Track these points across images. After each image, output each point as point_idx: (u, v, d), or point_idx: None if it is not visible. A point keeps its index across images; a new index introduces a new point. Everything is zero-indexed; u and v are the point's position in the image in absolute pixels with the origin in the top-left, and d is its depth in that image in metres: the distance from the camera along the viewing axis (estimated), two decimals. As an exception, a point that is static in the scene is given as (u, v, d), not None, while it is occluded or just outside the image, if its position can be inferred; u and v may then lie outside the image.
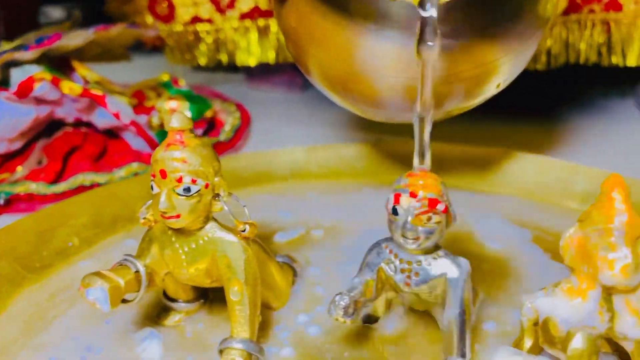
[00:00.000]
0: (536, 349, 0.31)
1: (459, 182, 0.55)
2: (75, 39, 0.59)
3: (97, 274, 0.30)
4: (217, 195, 0.31)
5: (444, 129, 0.76)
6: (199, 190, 0.30)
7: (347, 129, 0.75)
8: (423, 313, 0.36)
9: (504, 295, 0.38)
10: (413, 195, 0.29)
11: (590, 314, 0.28)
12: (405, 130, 0.64)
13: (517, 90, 0.87)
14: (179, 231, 0.32)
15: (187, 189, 0.29)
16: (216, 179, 0.30)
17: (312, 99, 0.93)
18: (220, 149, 0.67)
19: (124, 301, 0.32)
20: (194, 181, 0.29)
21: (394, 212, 0.29)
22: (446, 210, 0.29)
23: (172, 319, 0.36)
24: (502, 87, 0.43)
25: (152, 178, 0.30)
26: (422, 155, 0.37)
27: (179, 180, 0.29)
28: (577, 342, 0.26)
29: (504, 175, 0.55)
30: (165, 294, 0.36)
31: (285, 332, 0.35)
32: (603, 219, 0.27)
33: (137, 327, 0.36)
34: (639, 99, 0.82)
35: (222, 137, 0.69)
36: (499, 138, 0.71)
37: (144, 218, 0.32)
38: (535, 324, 0.31)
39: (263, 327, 0.35)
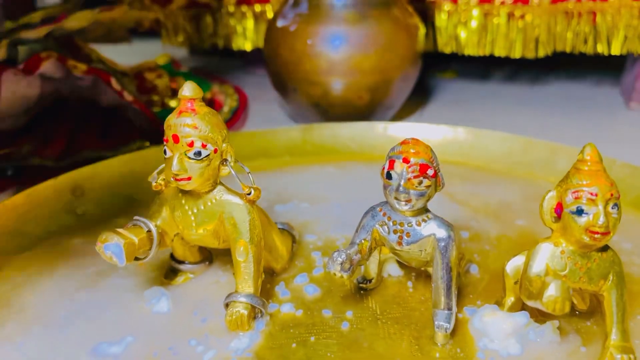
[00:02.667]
0: (517, 306, 0.34)
1: (454, 159, 0.58)
2: (81, 19, 0.60)
3: (113, 231, 0.32)
4: (225, 160, 0.33)
5: (433, 110, 0.79)
6: (208, 155, 0.32)
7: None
8: (415, 274, 0.39)
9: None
10: (406, 160, 0.31)
11: (565, 268, 0.30)
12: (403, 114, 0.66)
13: (509, 78, 0.90)
14: (188, 194, 0.34)
15: (198, 153, 0.31)
16: (224, 145, 0.33)
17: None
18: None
19: (136, 259, 0.34)
20: (204, 146, 0.32)
21: (388, 176, 0.32)
22: (435, 175, 0.32)
23: (179, 279, 0.39)
24: None
25: (164, 143, 0.32)
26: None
27: (190, 144, 0.31)
28: (552, 290, 0.29)
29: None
30: (172, 257, 0.39)
31: (285, 290, 0.37)
32: (578, 183, 0.29)
33: (146, 286, 0.38)
34: (624, 87, 0.85)
35: (222, 118, 0.71)
36: (488, 118, 0.74)
37: (156, 182, 0.34)
38: (516, 282, 0.33)
39: (264, 287, 0.38)
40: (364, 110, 0.67)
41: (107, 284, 0.38)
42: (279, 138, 0.61)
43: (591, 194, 0.29)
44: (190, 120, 0.31)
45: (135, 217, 0.35)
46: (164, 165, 0.34)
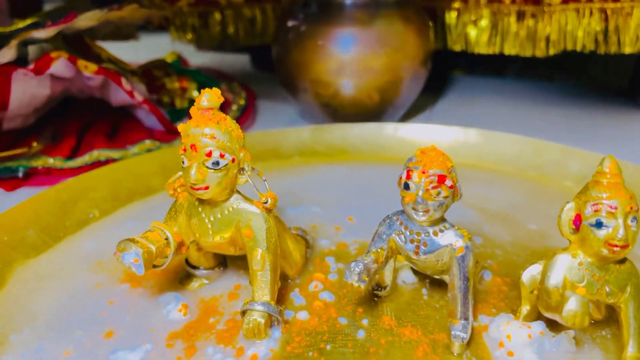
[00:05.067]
0: (533, 315, 0.34)
1: (465, 161, 0.58)
2: (91, 18, 0.60)
3: (131, 239, 0.32)
4: (242, 169, 0.33)
5: (444, 110, 0.79)
6: (226, 164, 0.32)
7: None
8: (429, 281, 0.39)
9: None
10: (424, 171, 0.31)
11: (583, 280, 0.30)
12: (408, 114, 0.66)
13: (520, 75, 0.90)
14: (205, 202, 0.34)
15: (216, 163, 0.31)
16: (241, 154, 0.33)
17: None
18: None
19: (154, 266, 0.34)
20: (222, 156, 0.32)
21: (406, 187, 0.32)
22: (453, 186, 0.32)
23: (193, 284, 0.39)
24: None
25: (182, 152, 0.32)
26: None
27: (209, 154, 0.31)
28: (572, 304, 0.29)
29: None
30: (187, 262, 0.39)
31: (300, 297, 0.38)
32: (597, 196, 0.29)
33: (161, 291, 0.38)
34: (635, 85, 0.84)
35: (230, 116, 0.71)
36: (499, 121, 0.74)
37: (173, 189, 0.34)
38: (532, 291, 0.33)
39: (279, 293, 0.38)
40: (373, 110, 0.67)
41: (121, 290, 0.39)
42: (289, 138, 0.61)
43: (611, 207, 0.29)
44: (208, 130, 0.31)
45: (153, 224, 0.35)
46: (181, 173, 0.34)
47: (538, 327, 0.33)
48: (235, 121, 0.33)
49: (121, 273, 0.40)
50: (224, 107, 0.73)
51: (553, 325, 0.34)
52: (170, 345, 0.34)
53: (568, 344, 0.33)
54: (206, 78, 0.76)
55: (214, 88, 0.32)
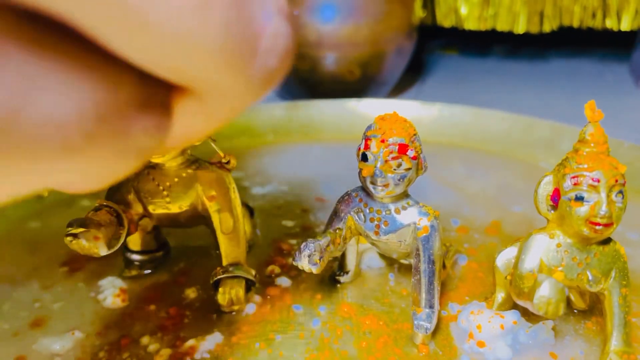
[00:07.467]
0: (508, 303, 0.30)
1: (450, 140, 0.54)
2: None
3: (85, 220, 0.28)
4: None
5: (431, 87, 0.75)
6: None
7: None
8: (397, 266, 0.35)
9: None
10: (383, 140, 0.27)
11: (562, 263, 0.27)
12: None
13: (510, 55, 0.85)
14: (156, 168, 0.31)
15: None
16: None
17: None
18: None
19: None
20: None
21: (364, 158, 0.28)
22: (416, 157, 0.28)
23: (133, 270, 0.35)
24: None
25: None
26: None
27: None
28: (544, 290, 0.25)
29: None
30: (125, 246, 0.35)
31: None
32: (578, 167, 0.25)
33: (100, 277, 0.35)
34: (633, 65, 0.80)
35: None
36: (491, 99, 0.70)
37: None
38: (507, 277, 0.30)
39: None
40: (355, 86, 0.63)
41: (59, 273, 0.35)
42: (262, 115, 0.57)
43: (593, 179, 0.25)
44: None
45: (99, 202, 0.31)
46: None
47: (512, 316, 0.29)
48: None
49: (62, 255, 0.37)
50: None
51: (530, 315, 0.30)
52: (101, 334, 0.30)
53: (546, 335, 0.29)
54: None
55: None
